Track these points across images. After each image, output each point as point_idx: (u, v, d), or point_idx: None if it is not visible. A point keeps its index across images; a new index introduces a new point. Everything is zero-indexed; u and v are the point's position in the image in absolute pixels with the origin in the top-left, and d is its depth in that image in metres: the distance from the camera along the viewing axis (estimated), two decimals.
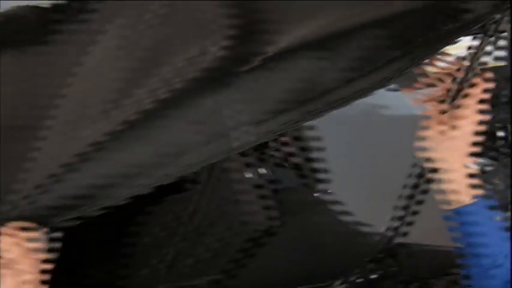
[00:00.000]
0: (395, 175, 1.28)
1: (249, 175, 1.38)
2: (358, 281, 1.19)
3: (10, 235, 0.88)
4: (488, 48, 0.91)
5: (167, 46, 0.85)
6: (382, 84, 0.81)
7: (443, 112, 0.93)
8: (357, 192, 1.58)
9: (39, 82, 1.27)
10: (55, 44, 1.32)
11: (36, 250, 0.88)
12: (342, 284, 1.19)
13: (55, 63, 1.31)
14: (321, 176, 1.52)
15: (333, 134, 1.72)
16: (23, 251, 0.88)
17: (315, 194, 1.45)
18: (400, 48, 0.80)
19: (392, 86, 0.91)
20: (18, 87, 1.26)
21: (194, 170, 0.81)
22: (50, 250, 0.90)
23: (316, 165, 1.55)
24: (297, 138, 1.56)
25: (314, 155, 1.59)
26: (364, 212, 1.43)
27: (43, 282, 0.89)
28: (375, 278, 1.21)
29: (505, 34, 0.89)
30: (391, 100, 1.96)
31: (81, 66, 1.26)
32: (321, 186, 1.48)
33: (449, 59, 0.94)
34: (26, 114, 1.15)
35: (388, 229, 1.15)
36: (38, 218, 0.86)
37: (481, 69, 0.92)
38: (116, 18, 1.21)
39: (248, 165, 1.34)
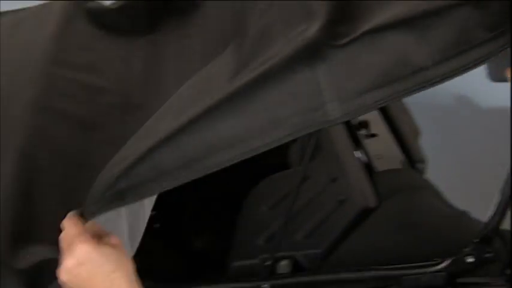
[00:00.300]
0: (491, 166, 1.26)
1: (357, 155, 1.41)
2: (455, 263, 1.19)
3: None
4: None
5: (270, 29, 0.91)
6: (472, 65, 0.79)
7: None
8: (451, 180, 1.57)
9: (150, 67, 1.35)
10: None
11: None
12: (438, 265, 1.20)
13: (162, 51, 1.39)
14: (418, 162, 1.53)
15: (429, 123, 1.72)
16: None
17: (413, 178, 1.46)
18: (492, 30, 0.79)
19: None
20: (133, 69, 1.35)
21: (287, 140, 0.82)
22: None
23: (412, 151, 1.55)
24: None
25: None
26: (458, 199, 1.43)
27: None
28: (471, 262, 1.21)
29: None
30: (487, 91, 1.92)
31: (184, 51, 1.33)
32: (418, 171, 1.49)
33: None
34: (140, 95, 1.23)
35: (490, 216, 1.15)
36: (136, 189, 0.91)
37: None
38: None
39: (355, 145, 1.37)
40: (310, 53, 0.79)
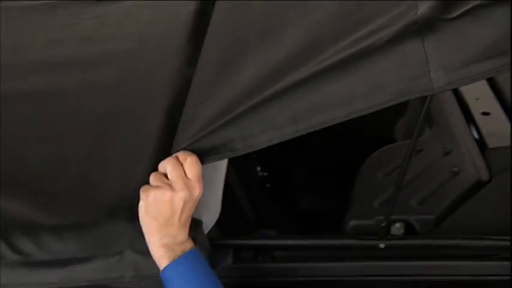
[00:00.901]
0: None
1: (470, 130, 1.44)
2: None
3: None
4: None
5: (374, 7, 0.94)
6: None
7: None
8: None
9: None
10: None
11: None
12: None
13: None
14: None
15: None
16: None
17: None
18: None
19: None
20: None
21: (389, 105, 0.86)
22: None
23: None
24: None
25: None
26: None
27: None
28: None
29: None
30: None
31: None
32: None
33: None
34: (220, 71, 1.28)
35: None
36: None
37: None
38: None
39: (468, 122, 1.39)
40: (421, 27, 0.82)
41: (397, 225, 1.27)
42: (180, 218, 1.00)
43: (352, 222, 1.29)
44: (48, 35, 1.64)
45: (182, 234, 1.02)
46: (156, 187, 1.00)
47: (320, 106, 0.89)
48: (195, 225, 1.09)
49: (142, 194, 1.02)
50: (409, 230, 1.28)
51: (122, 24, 1.66)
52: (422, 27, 0.82)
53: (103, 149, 1.26)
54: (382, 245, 1.20)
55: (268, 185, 1.89)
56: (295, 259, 1.23)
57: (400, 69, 0.83)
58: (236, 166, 1.74)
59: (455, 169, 1.37)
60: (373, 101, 0.87)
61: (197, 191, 1.00)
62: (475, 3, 0.80)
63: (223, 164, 1.23)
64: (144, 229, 1.03)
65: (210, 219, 1.19)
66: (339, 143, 1.71)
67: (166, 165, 1.01)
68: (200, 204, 1.05)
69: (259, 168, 1.90)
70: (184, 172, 1.00)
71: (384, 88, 0.85)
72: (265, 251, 1.23)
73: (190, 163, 0.99)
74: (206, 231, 1.16)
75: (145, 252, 1.06)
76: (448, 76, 0.81)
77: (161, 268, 1.02)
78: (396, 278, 1.23)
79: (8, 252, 1.13)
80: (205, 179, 1.04)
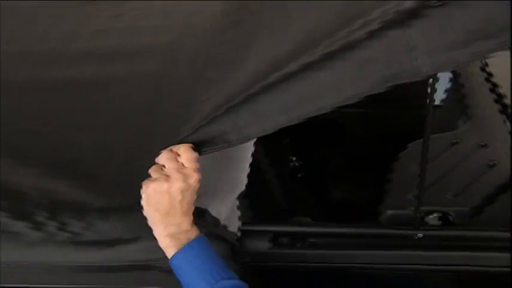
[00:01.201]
0: None
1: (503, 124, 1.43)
2: None
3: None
4: None
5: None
6: None
7: None
8: None
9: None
10: None
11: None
12: None
13: None
14: None
15: None
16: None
17: None
18: None
19: None
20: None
21: (378, 91, 0.87)
22: None
23: None
24: None
25: None
26: None
27: None
28: None
29: None
30: None
31: None
32: None
33: None
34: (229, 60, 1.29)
35: None
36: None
37: None
38: None
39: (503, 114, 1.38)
40: (407, 14, 0.83)
41: (434, 215, 1.28)
42: (181, 207, 1.02)
43: (388, 212, 1.29)
44: (94, 26, 1.67)
45: (186, 223, 1.03)
46: (154, 179, 1.02)
47: (310, 96, 0.92)
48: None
49: (143, 188, 1.04)
50: (445, 221, 1.28)
51: (162, 17, 1.69)
52: (408, 15, 0.84)
53: (146, 138, 1.29)
54: (420, 235, 1.21)
55: (300, 175, 1.90)
56: (331, 246, 1.24)
57: (387, 55, 0.85)
58: (270, 156, 1.76)
59: (491, 162, 1.36)
60: (361, 87, 0.88)
61: (193, 179, 1.01)
62: None
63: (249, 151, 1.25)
64: (149, 221, 1.05)
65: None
66: (372, 135, 1.72)
67: (162, 158, 1.04)
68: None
69: (292, 158, 1.92)
70: (182, 163, 1.02)
71: (371, 75, 0.87)
72: (303, 237, 1.25)
73: (184, 152, 1.02)
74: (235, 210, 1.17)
75: None
76: (434, 61, 0.83)
77: (169, 257, 1.04)
78: (431, 267, 1.23)
79: (57, 231, 1.17)
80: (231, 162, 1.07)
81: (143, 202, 1.04)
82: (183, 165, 1.02)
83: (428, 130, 1.06)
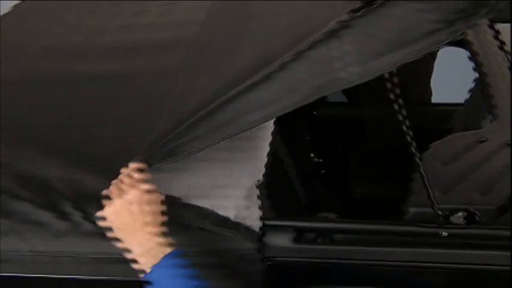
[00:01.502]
0: None
1: None
2: None
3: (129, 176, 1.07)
4: None
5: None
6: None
7: None
8: None
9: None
10: None
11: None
12: None
13: None
14: None
15: None
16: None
17: None
18: None
19: None
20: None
21: (313, 99, 0.95)
22: None
23: None
24: None
25: None
26: None
27: None
28: None
29: None
30: None
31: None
32: None
33: None
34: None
35: None
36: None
37: None
38: None
39: None
40: (340, 27, 0.90)
41: (459, 214, 1.25)
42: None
43: (412, 210, 1.27)
44: (120, 21, 1.68)
45: None
46: None
47: (250, 108, 1.03)
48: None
49: None
50: (470, 220, 1.25)
51: (186, 12, 1.69)
52: (341, 27, 0.91)
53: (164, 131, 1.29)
54: (444, 233, 1.19)
55: (322, 171, 1.89)
56: (354, 242, 1.23)
57: (321, 66, 0.93)
58: (292, 152, 1.75)
59: None
60: (298, 97, 0.96)
61: None
62: (380, 2, 0.89)
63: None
64: None
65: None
66: (396, 132, 1.70)
67: None
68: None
69: (313, 155, 1.91)
70: None
71: (307, 84, 0.95)
72: (326, 233, 1.23)
73: None
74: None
75: None
76: (363, 68, 0.89)
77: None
78: (455, 266, 1.21)
79: (83, 222, 1.18)
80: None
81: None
82: None
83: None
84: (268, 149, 1.23)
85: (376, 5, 0.90)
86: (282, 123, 1.51)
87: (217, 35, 1.47)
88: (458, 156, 1.37)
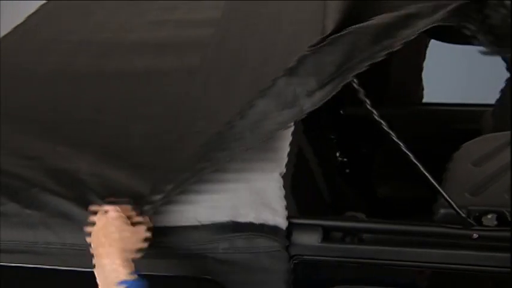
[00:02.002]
0: None
1: None
2: None
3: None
4: None
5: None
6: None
7: None
8: None
9: None
10: None
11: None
12: None
13: None
14: None
15: None
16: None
17: None
18: None
19: None
20: None
21: (273, 135, 1.10)
22: None
23: None
24: None
25: None
26: None
27: None
28: None
29: None
30: None
31: None
32: None
33: None
34: None
35: None
36: None
37: None
38: None
39: None
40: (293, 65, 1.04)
41: (490, 216, 1.22)
42: None
43: (442, 211, 1.24)
44: (149, 18, 1.68)
45: None
46: None
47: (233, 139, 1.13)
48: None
49: None
50: (502, 222, 1.22)
51: (213, 10, 1.68)
52: (294, 66, 1.04)
53: (193, 128, 1.29)
54: (475, 235, 1.16)
55: (347, 171, 1.88)
56: (383, 242, 1.20)
57: (278, 102, 1.05)
58: (317, 151, 1.74)
59: None
60: (261, 133, 1.08)
61: None
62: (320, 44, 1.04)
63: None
64: None
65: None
66: (425, 132, 1.68)
67: None
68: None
69: (339, 154, 1.89)
70: None
71: (272, 120, 1.06)
72: (354, 233, 1.22)
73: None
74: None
75: None
76: (311, 98, 1.02)
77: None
78: (486, 268, 1.18)
79: None
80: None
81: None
82: None
83: None
84: (290, 139, 1.24)
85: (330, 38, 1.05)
86: (307, 122, 1.50)
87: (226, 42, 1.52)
88: (490, 157, 1.34)
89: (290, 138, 1.24)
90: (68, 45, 1.61)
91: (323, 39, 1.07)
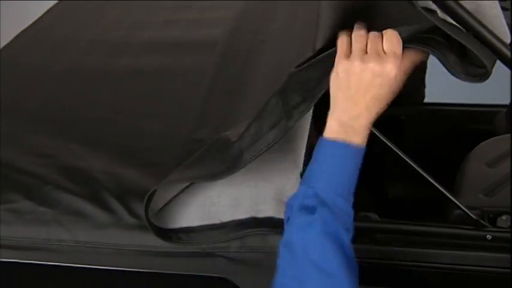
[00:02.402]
0: None
1: None
2: None
3: None
4: None
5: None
6: None
7: None
8: None
9: None
10: None
11: None
12: None
13: None
14: None
15: None
16: None
17: None
18: None
19: None
20: None
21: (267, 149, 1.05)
22: None
23: None
24: None
25: None
26: None
27: None
28: None
29: None
30: None
31: None
32: None
33: None
34: None
35: None
36: None
37: None
38: None
39: None
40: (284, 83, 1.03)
41: (504, 217, 1.21)
42: (364, 95, 0.91)
43: (457, 212, 1.23)
44: (163, 16, 1.68)
45: (362, 120, 0.93)
46: (348, 57, 0.93)
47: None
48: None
49: (335, 63, 0.95)
50: None
51: (225, 9, 1.68)
52: (282, 86, 1.03)
53: (205, 127, 1.29)
54: (489, 236, 1.14)
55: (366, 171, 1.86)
56: (396, 243, 1.19)
57: (269, 119, 1.04)
58: None
59: None
60: (257, 149, 1.05)
61: (388, 67, 0.90)
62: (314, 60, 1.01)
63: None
64: (331, 101, 0.96)
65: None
66: (440, 132, 1.66)
67: (360, 37, 0.93)
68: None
69: None
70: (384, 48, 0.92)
71: (266, 134, 1.04)
72: (367, 233, 1.20)
73: (390, 36, 0.91)
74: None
75: None
76: (295, 112, 1.00)
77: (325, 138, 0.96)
78: (499, 270, 1.17)
79: (126, 215, 1.17)
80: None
81: (332, 79, 0.95)
82: (383, 51, 0.91)
83: None
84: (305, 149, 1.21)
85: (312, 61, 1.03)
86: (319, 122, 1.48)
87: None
88: (504, 158, 1.32)
89: (306, 138, 1.22)
90: (81, 44, 1.61)
91: (310, 58, 1.02)
